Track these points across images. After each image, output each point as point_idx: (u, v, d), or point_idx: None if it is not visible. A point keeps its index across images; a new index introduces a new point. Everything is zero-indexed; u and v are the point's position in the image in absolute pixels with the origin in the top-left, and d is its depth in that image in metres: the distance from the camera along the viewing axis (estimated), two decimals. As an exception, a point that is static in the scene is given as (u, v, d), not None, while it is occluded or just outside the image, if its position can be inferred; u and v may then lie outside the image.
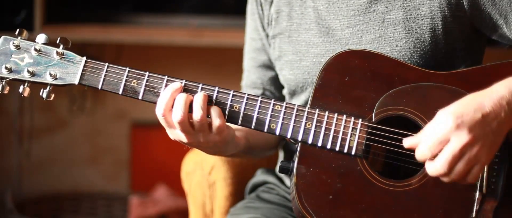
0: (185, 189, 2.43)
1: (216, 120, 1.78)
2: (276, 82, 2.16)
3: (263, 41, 2.15)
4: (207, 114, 1.79)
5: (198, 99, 1.77)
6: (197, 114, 1.76)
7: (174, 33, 3.96)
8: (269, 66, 2.16)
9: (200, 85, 1.81)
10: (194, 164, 2.37)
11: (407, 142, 1.72)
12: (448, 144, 1.65)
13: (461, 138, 1.65)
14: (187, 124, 1.77)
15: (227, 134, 1.83)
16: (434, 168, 1.67)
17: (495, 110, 1.68)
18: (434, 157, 1.67)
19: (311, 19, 2.02)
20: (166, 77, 1.80)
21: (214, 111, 1.79)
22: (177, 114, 1.76)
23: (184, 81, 1.80)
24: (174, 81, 1.80)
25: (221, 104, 1.80)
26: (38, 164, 4.35)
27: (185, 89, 1.80)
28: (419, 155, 1.69)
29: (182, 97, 1.77)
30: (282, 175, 2.19)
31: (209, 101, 1.80)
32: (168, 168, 4.04)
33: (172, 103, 1.78)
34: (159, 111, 1.78)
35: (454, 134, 1.65)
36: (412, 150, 1.75)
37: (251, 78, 2.19)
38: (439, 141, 1.66)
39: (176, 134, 1.81)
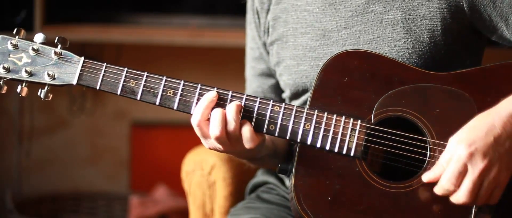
0: (185, 189, 2.43)
1: (247, 144, 1.79)
2: (276, 90, 2.16)
3: (261, 50, 2.15)
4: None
5: (231, 111, 1.77)
6: (230, 126, 1.76)
7: (174, 33, 3.96)
8: (269, 74, 2.16)
9: (199, 86, 1.80)
10: (194, 164, 2.37)
11: (426, 177, 1.75)
12: (466, 174, 1.68)
13: (478, 165, 1.67)
14: (224, 137, 1.77)
15: (261, 138, 1.83)
16: (458, 200, 1.72)
17: (506, 129, 1.69)
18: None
19: (307, 22, 2.01)
20: (164, 78, 1.80)
21: (245, 134, 1.78)
22: (215, 130, 1.76)
23: (182, 82, 1.80)
24: (209, 89, 1.80)
25: (219, 106, 1.79)
26: (38, 164, 4.35)
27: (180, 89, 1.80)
28: (443, 192, 1.73)
29: (218, 113, 1.76)
30: (282, 175, 2.19)
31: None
32: (168, 168, 4.05)
33: (207, 113, 1.77)
34: (195, 122, 1.78)
35: (470, 163, 1.67)
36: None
37: (252, 87, 2.19)
38: (458, 172, 1.69)
39: (212, 144, 1.81)
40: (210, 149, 1.83)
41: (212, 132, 1.76)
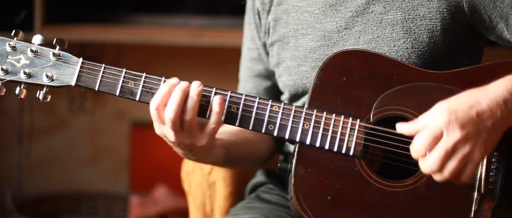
0: (185, 189, 2.43)
1: (212, 124, 1.78)
2: (271, 92, 2.15)
3: (260, 51, 2.15)
4: (206, 116, 1.78)
5: (192, 98, 1.76)
6: (188, 115, 1.75)
7: (174, 33, 3.96)
8: (266, 76, 2.16)
9: (198, 87, 1.80)
10: (194, 164, 2.37)
11: (399, 127, 1.71)
12: (441, 140, 1.64)
13: (454, 134, 1.63)
14: (177, 123, 1.76)
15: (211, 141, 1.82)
16: (426, 165, 1.66)
17: (491, 108, 1.66)
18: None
19: (308, 24, 2.01)
20: (163, 78, 1.80)
21: (213, 116, 1.78)
22: (170, 111, 1.75)
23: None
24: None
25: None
26: (38, 164, 4.36)
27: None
28: (414, 152, 1.68)
29: (177, 95, 1.75)
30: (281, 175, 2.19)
31: (206, 102, 1.79)
32: (168, 168, 4.04)
33: (167, 99, 1.76)
34: (154, 105, 1.76)
35: (446, 130, 1.64)
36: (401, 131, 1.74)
37: (247, 87, 2.17)
38: (434, 136, 1.64)
39: (163, 130, 1.79)
40: (160, 135, 1.81)
41: (167, 114, 1.75)
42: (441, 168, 1.66)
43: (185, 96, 1.76)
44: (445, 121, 1.64)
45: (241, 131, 2.00)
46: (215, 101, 1.78)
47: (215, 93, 1.80)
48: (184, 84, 1.77)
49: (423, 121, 1.67)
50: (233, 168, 2.27)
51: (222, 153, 1.92)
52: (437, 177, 1.68)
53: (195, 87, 1.77)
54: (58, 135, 4.37)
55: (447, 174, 1.66)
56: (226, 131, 2.00)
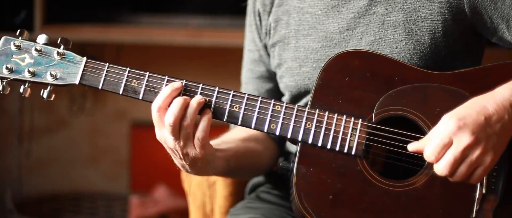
0: (185, 189, 2.43)
1: (200, 132, 1.78)
2: (273, 94, 2.14)
3: (261, 52, 2.15)
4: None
5: (191, 106, 1.77)
6: (185, 121, 1.76)
7: (174, 33, 3.96)
8: (267, 77, 2.16)
9: (200, 86, 1.81)
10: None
11: (411, 147, 1.73)
12: (450, 147, 1.66)
13: (463, 140, 1.65)
14: (177, 129, 1.76)
15: (209, 153, 1.82)
16: (437, 170, 1.69)
17: (498, 112, 1.68)
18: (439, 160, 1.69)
19: (309, 25, 2.02)
20: (166, 77, 1.80)
21: (202, 123, 1.79)
22: (170, 116, 1.75)
23: (184, 81, 1.80)
24: (175, 80, 1.81)
25: (221, 104, 1.80)
26: (38, 164, 4.35)
27: (185, 89, 1.80)
28: (426, 158, 1.71)
29: (179, 101, 1.76)
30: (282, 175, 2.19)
31: (206, 106, 1.80)
32: (168, 168, 4.03)
33: (169, 102, 1.77)
34: (155, 107, 1.77)
35: (456, 136, 1.66)
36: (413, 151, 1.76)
37: (249, 89, 2.17)
38: (443, 144, 1.67)
39: (163, 135, 1.79)
40: (160, 140, 1.81)
41: (167, 118, 1.75)
42: (452, 173, 1.68)
43: (186, 103, 1.77)
44: (454, 128, 1.65)
45: (245, 142, 2.03)
46: (204, 114, 1.80)
47: (218, 92, 1.81)
48: (178, 85, 1.79)
49: (432, 133, 1.69)
50: (234, 178, 2.27)
51: (222, 165, 1.92)
52: (449, 179, 1.71)
53: (197, 98, 1.78)
54: (58, 135, 4.37)
55: (457, 178, 1.69)
56: (229, 141, 2.01)
